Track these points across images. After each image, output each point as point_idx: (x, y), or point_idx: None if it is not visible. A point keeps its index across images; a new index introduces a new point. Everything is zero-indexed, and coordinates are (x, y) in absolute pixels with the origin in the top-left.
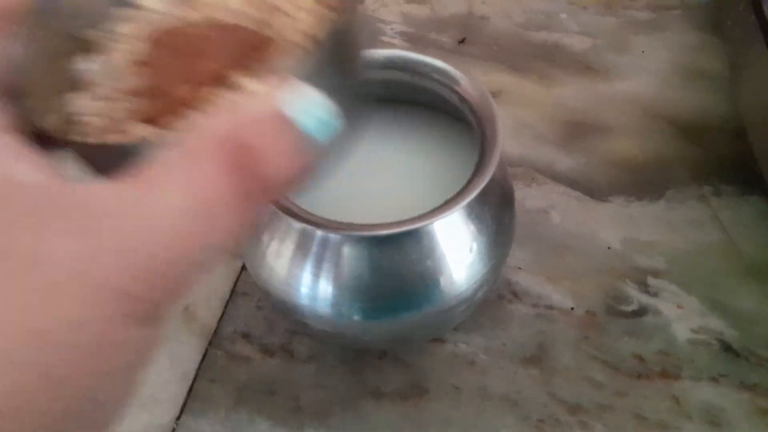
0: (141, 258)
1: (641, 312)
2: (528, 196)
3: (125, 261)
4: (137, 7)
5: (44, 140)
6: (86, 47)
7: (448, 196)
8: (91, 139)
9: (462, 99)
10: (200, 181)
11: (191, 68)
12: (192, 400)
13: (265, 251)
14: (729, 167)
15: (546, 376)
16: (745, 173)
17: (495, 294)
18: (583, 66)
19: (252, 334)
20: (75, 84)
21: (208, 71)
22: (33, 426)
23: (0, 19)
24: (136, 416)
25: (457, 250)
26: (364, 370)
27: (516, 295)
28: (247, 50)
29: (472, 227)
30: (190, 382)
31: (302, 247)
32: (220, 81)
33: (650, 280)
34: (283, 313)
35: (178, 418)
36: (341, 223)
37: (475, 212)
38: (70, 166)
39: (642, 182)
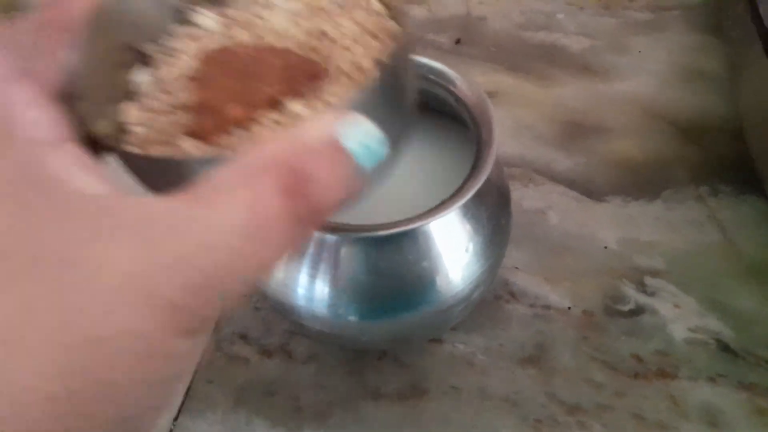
0: (194, 273)
1: (638, 312)
2: (526, 197)
3: (179, 275)
4: (193, 25)
5: (92, 144)
6: (142, 60)
7: (444, 197)
8: (138, 150)
9: (458, 100)
10: (256, 201)
11: (243, 89)
12: (190, 400)
13: None
14: (727, 167)
15: (544, 376)
16: (744, 173)
17: (492, 294)
18: (582, 66)
19: (250, 335)
20: (128, 94)
21: (260, 94)
22: (86, 429)
23: (61, 29)
24: None
25: (453, 250)
26: (362, 371)
27: (514, 295)
28: (298, 76)
29: (468, 227)
30: (187, 383)
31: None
32: (272, 104)
33: (648, 280)
34: (280, 314)
35: (176, 418)
36: (337, 224)
37: (471, 212)
38: (125, 177)
39: (640, 182)
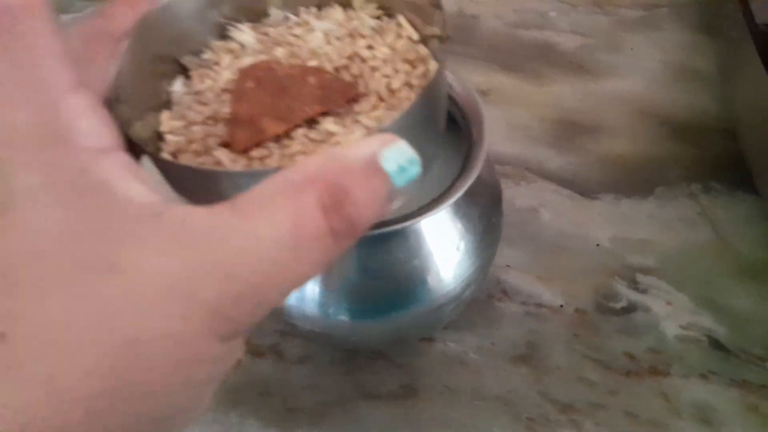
0: (234, 282)
1: (631, 309)
2: (518, 195)
3: (219, 283)
4: (232, 40)
5: (130, 150)
6: (182, 71)
7: (435, 195)
8: (171, 157)
9: (449, 98)
10: (298, 214)
11: (279, 104)
12: None
13: None
14: (720, 165)
15: (537, 374)
16: (736, 171)
17: (485, 293)
18: (574, 65)
19: None
20: (166, 103)
21: (297, 110)
22: (122, 428)
23: (108, 40)
24: None
25: (444, 248)
26: (355, 371)
27: (506, 293)
28: (333, 95)
29: (459, 226)
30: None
31: None
32: (307, 122)
33: (640, 278)
34: (272, 314)
35: None
36: None
37: (462, 211)
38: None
39: (633, 181)
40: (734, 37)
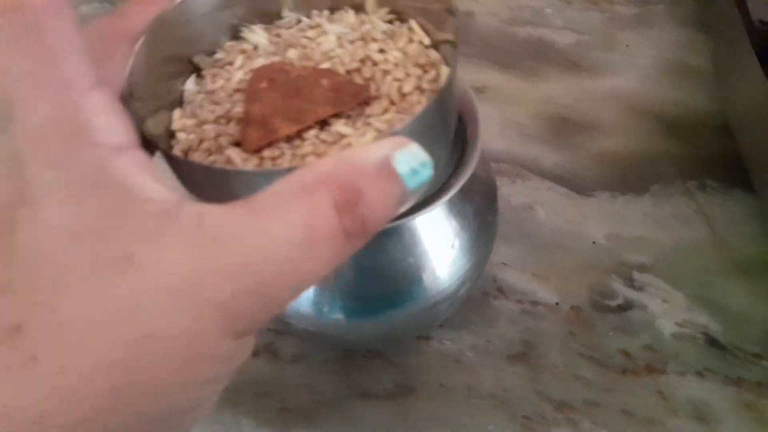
0: (247, 280)
1: (627, 307)
2: (513, 192)
3: (233, 281)
4: (246, 41)
5: (144, 146)
6: (195, 70)
7: (430, 192)
8: (182, 155)
9: None
10: (311, 214)
11: (291, 105)
12: None
13: None
14: (715, 163)
15: (532, 373)
16: (732, 169)
17: (480, 290)
18: (569, 62)
19: None
20: (178, 102)
21: (309, 112)
22: (128, 426)
23: (125, 38)
24: None
25: (439, 246)
26: (350, 370)
27: (501, 291)
28: (345, 97)
29: (454, 223)
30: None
31: None
32: (319, 123)
33: (635, 275)
34: None
35: None
36: None
37: (457, 208)
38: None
39: (628, 178)
40: (729, 34)
